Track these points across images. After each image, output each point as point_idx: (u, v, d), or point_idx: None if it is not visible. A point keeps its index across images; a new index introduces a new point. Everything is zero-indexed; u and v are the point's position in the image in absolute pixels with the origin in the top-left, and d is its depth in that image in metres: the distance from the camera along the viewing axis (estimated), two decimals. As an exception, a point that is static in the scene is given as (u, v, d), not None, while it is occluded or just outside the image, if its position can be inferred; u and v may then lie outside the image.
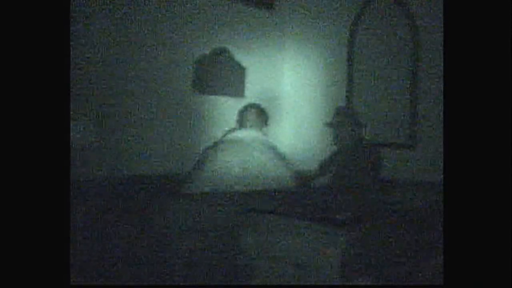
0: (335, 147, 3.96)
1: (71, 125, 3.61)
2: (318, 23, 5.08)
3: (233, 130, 3.05)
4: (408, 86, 4.35)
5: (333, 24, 4.94)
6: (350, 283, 1.71)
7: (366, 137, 4.03)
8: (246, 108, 3.12)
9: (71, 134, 3.58)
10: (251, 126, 3.01)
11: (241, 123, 3.05)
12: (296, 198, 2.65)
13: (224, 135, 3.03)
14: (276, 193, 2.66)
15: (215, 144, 2.95)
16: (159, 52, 4.28)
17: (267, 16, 5.13)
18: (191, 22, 4.51)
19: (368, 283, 1.77)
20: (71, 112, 3.60)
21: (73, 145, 3.63)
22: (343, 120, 3.85)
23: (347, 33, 4.81)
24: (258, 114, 3.08)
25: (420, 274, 1.98)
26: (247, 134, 2.95)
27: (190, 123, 4.49)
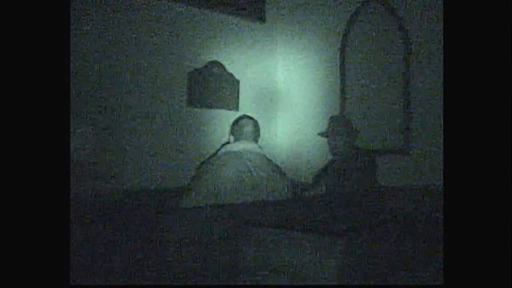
0: (329, 157, 3.97)
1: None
2: (310, 33, 5.11)
3: (228, 143, 3.05)
4: (401, 91, 4.37)
5: (325, 34, 4.98)
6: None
7: (360, 145, 4.05)
8: (240, 121, 3.12)
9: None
10: (246, 139, 3.01)
11: (236, 135, 3.05)
12: (292, 209, 2.66)
13: (220, 148, 3.03)
14: (273, 205, 2.67)
15: (211, 157, 2.96)
16: (152, 66, 4.30)
17: (259, 28, 5.16)
18: (183, 35, 4.53)
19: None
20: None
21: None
22: (337, 129, 3.87)
23: (339, 42, 4.83)
24: (253, 126, 3.09)
25: (419, 281, 1.99)
26: (243, 146, 2.95)
27: (185, 137, 4.50)
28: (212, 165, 2.84)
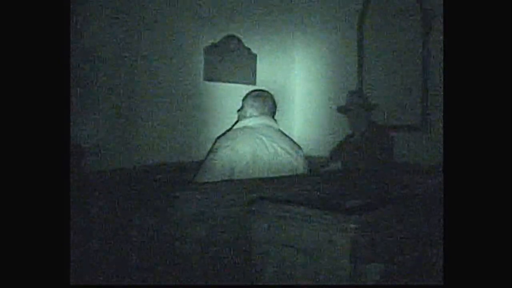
0: (346, 132, 3.96)
1: (81, 120, 3.64)
2: (328, 8, 5.05)
3: (244, 117, 3.04)
4: (419, 68, 4.31)
5: (343, 9, 4.91)
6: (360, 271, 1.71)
7: (378, 121, 4.02)
8: (259, 96, 3.09)
9: (80, 130, 3.60)
10: (264, 114, 3.00)
11: (252, 110, 3.03)
12: (308, 185, 2.65)
13: (236, 123, 3.02)
14: (287, 181, 2.67)
15: (227, 132, 2.95)
16: (168, 41, 4.29)
17: (277, 2, 5.10)
18: (200, 9, 4.51)
19: (378, 273, 1.77)
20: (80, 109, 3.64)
21: (84, 141, 3.67)
22: (355, 104, 3.85)
23: (357, 17, 4.77)
24: (272, 101, 3.07)
25: (431, 260, 1.98)
26: (259, 121, 2.94)
27: (201, 112, 4.50)
28: (228, 140, 2.83)
